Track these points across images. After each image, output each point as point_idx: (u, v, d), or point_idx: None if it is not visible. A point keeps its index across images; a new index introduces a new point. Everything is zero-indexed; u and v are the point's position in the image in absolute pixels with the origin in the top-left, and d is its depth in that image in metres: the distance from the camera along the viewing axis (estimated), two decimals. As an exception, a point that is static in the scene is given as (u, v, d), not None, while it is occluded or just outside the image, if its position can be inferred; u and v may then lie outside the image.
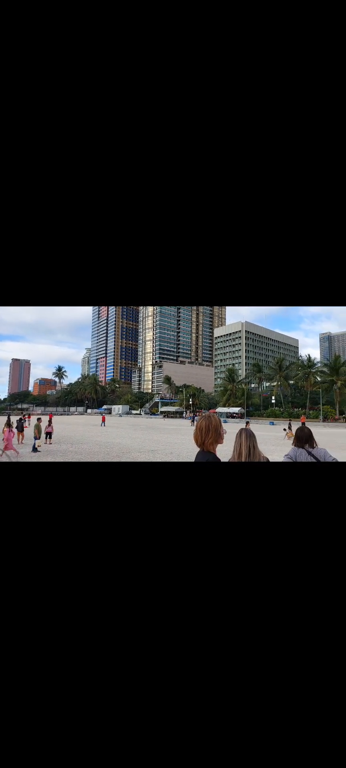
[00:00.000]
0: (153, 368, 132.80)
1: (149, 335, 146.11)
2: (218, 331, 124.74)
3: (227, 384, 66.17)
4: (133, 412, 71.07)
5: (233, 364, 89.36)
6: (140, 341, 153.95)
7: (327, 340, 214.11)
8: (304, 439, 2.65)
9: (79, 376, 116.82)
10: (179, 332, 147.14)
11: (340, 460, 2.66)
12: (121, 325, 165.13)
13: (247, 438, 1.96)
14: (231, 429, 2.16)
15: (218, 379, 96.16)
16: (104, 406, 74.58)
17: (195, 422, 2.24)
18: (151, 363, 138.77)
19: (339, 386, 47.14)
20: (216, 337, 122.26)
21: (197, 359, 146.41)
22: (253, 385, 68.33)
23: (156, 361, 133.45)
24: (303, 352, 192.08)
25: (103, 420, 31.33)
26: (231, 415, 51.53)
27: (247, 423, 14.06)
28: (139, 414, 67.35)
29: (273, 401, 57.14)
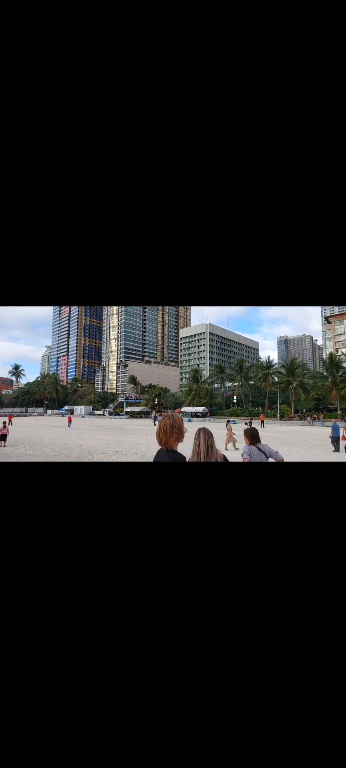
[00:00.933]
0: (118, 368, 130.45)
1: (114, 334, 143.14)
2: (183, 332, 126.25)
3: (191, 384, 67.41)
4: (97, 412, 69.17)
5: (198, 365, 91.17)
6: (104, 340, 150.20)
7: (284, 343, 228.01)
8: (256, 437, 3.45)
9: (39, 375, 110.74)
10: (144, 332, 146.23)
11: (281, 453, 3.46)
12: (84, 323, 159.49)
13: (205, 437, 2.09)
14: (201, 428, 2.29)
15: (184, 379, 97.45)
16: (66, 407, 71.49)
17: (157, 422, 2.32)
18: (115, 362, 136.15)
19: (295, 386, 50.56)
20: (182, 338, 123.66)
21: (162, 359, 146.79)
22: (216, 386, 70.41)
23: (121, 361, 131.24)
24: (263, 354, 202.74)
25: (70, 421, 30.25)
26: (195, 414, 52.54)
27: (228, 422, 14.28)
28: (103, 414, 65.76)
29: (235, 401, 59.41)
